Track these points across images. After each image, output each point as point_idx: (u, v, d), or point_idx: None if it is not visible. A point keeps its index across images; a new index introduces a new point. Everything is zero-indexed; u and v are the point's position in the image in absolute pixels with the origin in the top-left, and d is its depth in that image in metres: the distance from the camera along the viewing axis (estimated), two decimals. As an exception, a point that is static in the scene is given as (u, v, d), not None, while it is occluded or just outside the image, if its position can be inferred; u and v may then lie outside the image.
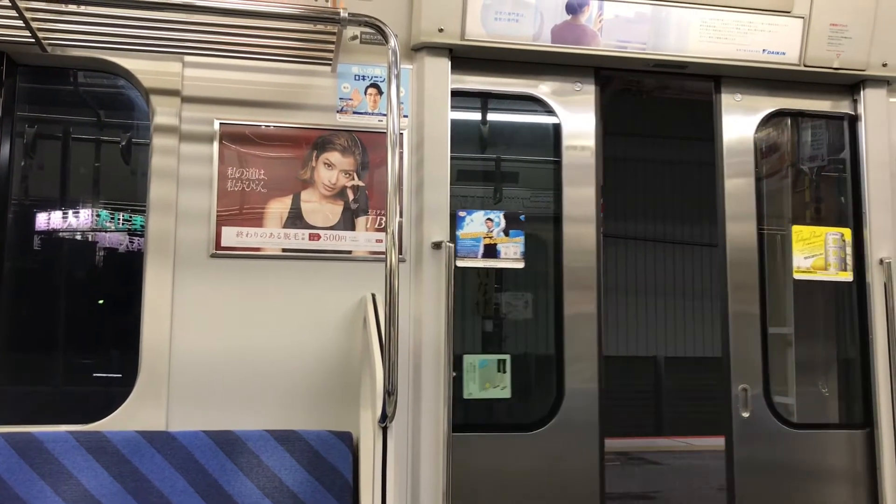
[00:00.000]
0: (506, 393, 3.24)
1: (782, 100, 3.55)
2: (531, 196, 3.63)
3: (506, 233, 3.22)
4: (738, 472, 3.33)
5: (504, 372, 3.24)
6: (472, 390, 3.21)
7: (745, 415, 3.32)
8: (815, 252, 3.46)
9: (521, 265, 3.23)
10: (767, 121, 3.58)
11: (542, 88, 3.35)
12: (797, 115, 3.73)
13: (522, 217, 3.26)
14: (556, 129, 3.37)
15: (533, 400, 3.59)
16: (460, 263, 3.15)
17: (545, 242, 3.38)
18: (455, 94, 3.19)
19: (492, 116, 3.64)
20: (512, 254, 3.22)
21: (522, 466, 3.15)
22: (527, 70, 3.31)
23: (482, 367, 3.24)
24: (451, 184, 3.13)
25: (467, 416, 3.23)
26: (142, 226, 3.12)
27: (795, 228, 3.50)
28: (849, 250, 3.47)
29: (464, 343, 3.49)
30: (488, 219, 3.22)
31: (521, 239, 3.23)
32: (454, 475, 2.96)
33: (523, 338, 3.82)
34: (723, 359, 3.43)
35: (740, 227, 3.46)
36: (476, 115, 3.57)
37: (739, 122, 3.53)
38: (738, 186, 3.49)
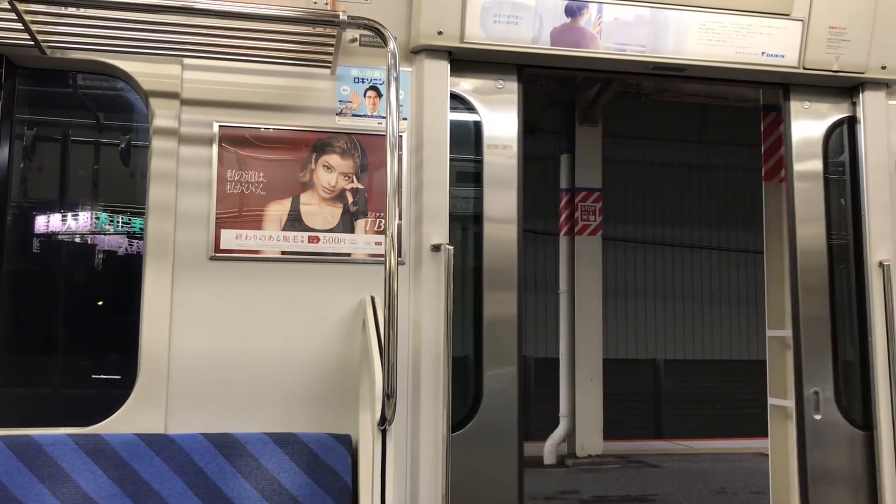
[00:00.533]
0: None
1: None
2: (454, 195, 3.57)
3: None
4: (811, 476, 3.37)
5: None
6: None
7: (818, 417, 3.35)
8: None
9: None
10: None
11: (464, 86, 3.28)
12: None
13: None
14: (477, 126, 3.31)
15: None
16: None
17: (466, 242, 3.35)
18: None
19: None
20: None
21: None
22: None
23: None
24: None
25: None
26: (141, 228, 3.11)
27: None
28: None
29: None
30: None
31: None
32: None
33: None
34: (794, 362, 3.47)
35: (810, 230, 3.48)
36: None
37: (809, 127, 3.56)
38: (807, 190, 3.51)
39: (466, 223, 3.32)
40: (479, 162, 3.28)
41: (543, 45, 3.18)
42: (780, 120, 4.90)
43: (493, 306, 3.21)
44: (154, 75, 2.98)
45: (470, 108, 3.30)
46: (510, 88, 3.30)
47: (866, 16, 3.39)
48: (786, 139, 3.58)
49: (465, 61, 3.22)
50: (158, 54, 2.92)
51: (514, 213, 3.25)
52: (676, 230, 15.99)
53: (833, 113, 3.58)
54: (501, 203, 3.25)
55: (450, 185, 3.15)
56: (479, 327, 3.20)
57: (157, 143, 2.97)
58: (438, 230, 3.08)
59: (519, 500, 3.14)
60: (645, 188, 15.77)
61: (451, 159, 3.17)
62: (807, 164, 3.56)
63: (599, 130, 10.31)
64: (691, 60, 3.31)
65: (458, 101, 3.27)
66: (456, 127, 3.22)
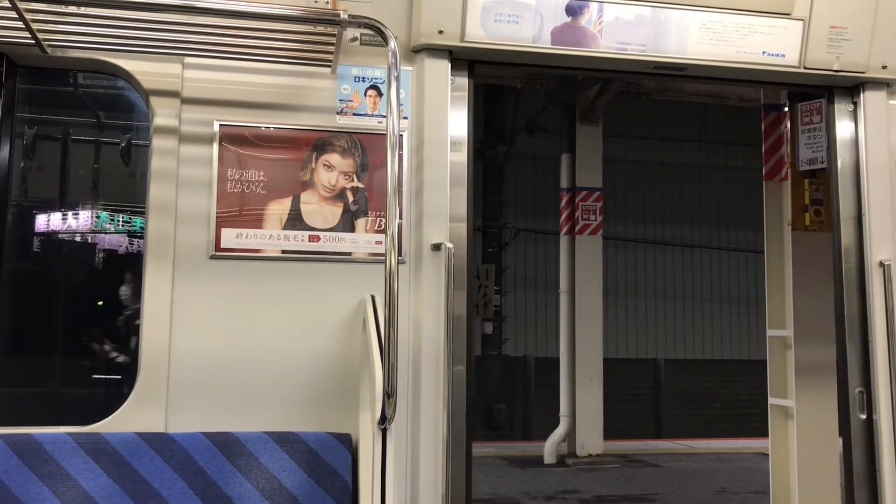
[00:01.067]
0: None
1: None
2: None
3: None
4: (856, 474, 3.36)
5: None
6: None
7: (863, 416, 3.36)
8: None
9: None
10: None
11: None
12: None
13: None
14: None
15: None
16: None
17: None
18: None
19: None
20: None
21: None
22: None
23: None
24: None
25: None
26: (141, 227, 3.11)
27: None
28: None
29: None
30: None
31: None
32: None
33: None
34: (838, 362, 3.49)
35: (847, 227, 3.48)
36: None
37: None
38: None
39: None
40: None
41: (544, 45, 3.18)
42: (780, 119, 4.93)
43: None
44: (155, 74, 2.98)
45: None
46: (460, 85, 3.24)
47: (867, 15, 3.39)
48: (829, 136, 3.60)
49: (466, 60, 3.22)
50: (159, 53, 2.92)
51: (464, 212, 3.19)
52: (677, 230, 16.01)
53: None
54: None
55: None
56: None
57: (157, 142, 2.97)
58: (439, 229, 3.08)
59: (467, 497, 3.10)
60: (645, 188, 15.79)
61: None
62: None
63: (600, 130, 10.31)
64: (692, 60, 3.31)
65: None
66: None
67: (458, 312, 3.12)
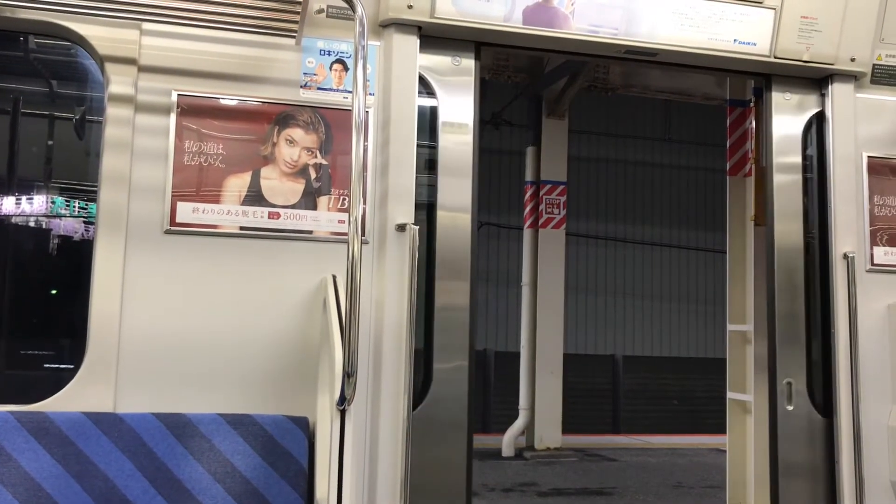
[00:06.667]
0: None
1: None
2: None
3: None
4: (781, 466, 3.37)
5: None
6: None
7: (790, 408, 3.35)
8: None
9: None
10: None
11: (421, 62, 3.15)
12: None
13: None
14: (433, 109, 3.21)
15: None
16: None
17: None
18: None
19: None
20: None
21: None
22: None
23: None
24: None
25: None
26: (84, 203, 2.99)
27: None
28: None
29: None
30: None
31: None
32: None
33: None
34: (768, 353, 3.48)
35: (788, 226, 3.48)
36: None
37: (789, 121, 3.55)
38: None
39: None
40: (434, 147, 3.19)
41: (515, 24, 3.12)
42: (745, 115, 4.94)
43: (444, 296, 3.13)
44: (110, 40, 2.86)
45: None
46: (466, 67, 3.19)
47: (837, 7, 3.38)
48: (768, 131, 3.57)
49: (436, 38, 3.14)
50: (116, 17, 2.80)
51: (468, 202, 3.16)
52: (638, 228, 16.13)
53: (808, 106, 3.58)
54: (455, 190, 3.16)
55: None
56: (430, 316, 3.13)
57: (112, 111, 2.85)
58: (404, 210, 3.00)
59: (467, 489, 3.09)
60: (608, 185, 15.87)
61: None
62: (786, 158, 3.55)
63: (566, 124, 10.32)
64: (663, 45, 3.28)
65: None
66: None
67: (461, 303, 3.10)
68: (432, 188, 3.19)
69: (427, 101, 3.20)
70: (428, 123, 3.20)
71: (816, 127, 3.60)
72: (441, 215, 3.15)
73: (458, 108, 3.19)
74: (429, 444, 3.04)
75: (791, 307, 3.44)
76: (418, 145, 3.10)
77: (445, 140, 3.18)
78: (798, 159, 3.53)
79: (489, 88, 12.51)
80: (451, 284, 3.15)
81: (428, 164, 3.20)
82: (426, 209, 3.19)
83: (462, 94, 3.20)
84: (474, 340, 3.15)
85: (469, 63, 3.21)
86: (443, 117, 3.18)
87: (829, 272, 3.45)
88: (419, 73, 3.13)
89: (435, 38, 3.15)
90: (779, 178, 3.50)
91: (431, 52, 3.16)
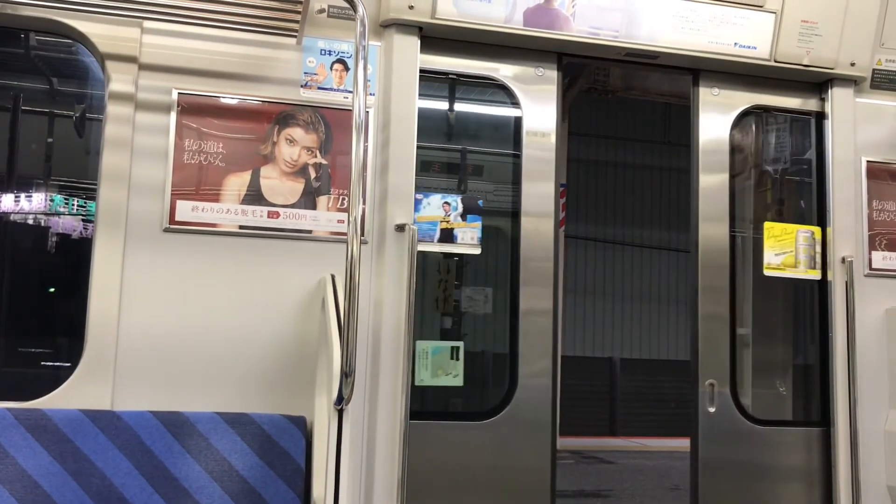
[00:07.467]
0: (458, 381, 3.19)
1: (756, 96, 3.54)
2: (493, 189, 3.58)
3: (463, 217, 3.15)
4: (702, 468, 3.34)
5: (457, 360, 3.18)
6: (423, 377, 3.14)
7: (712, 410, 3.32)
8: (785, 249, 3.45)
9: (477, 251, 3.18)
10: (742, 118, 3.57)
11: (504, 72, 3.26)
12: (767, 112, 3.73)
13: (480, 202, 3.21)
14: (518, 119, 3.29)
15: (485, 390, 3.57)
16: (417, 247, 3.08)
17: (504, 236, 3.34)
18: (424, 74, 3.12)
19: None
20: (469, 239, 3.16)
21: (473, 455, 3.11)
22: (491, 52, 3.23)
23: (435, 355, 3.18)
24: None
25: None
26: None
27: (767, 225, 3.49)
28: (818, 248, 3.46)
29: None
30: (445, 202, 3.15)
31: (479, 224, 3.17)
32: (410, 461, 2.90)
33: (479, 330, 3.78)
34: (691, 354, 3.44)
35: (713, 228, 3.47)
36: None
37: (716, 119, 3.50)
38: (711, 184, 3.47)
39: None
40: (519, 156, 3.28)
41: (516, 25, 3.12)
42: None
43: (529, 301, 3.22)
44: (112, 38, 2.85)
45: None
46: (549, 77, 3.28)
47: (838, 11, 3.39)
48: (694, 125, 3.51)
49: (436, 38, 3.15)
50: (117, 15, 2.80)
51: (551, 208, 3.27)
52: (637, 230, 16.11)
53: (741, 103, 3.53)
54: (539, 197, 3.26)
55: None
56: (516, 320, 3.21)
57: (112, 109, 2.85)
58: (403, 209, 3.00)
59: (551, 490, 3.16)
60: (607, 188, 15.87)
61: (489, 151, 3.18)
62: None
63: (566, 127, 10.30)
64: (664, 48, 3.28)
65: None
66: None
67: (544, 308, 3.20)
68: (516, 196, 3.27)
69: (511, 111, 3.31)
70: (512, 132, 3.30)
71: (816, 130, 3.60)
72: (525, 221, 3.23)
73: (542, 116, 3.28)
74: (513, 446, 3.12)
75: (715, 309, 3.42)
76: (502, 153, 3.16)
77: (529, 148, 3.26)
78: (726, 157, 3.49)
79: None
80: (535, 290, 3.22)
81: (513, 171, 3.28)
82: (510, 216, 3.27)
83: (545, 103, 3.29)
84: (557, 345, 3.22)
85: (552, 73, 3.28)
86: (527, 126, 3.26)
87: (827, 276, 3.45)
88: (503, 83, 3.25)
89: (516, 48, 3.23)
90: (704, 179, 3.48)
91: (514, 62, 3.26)
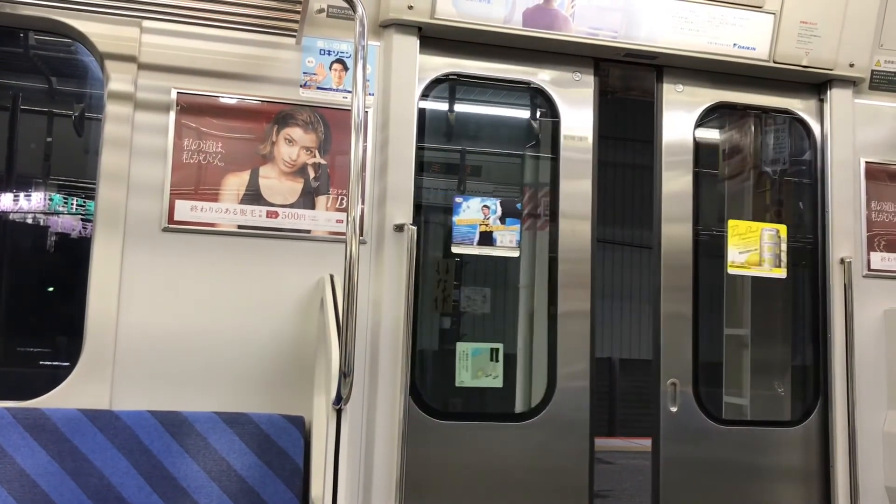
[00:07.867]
0: (498, 382, 3.25)
1: (757, 96, 3.55)
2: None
3: (502, 221, 3.17)
4: (664, 467, 3.36)
5: (497, 361, 3.23)
6: (464, 378, 3.20)
7: (674, 409, 3.32)
8: (749, 247, 3.45)
9: (516, 254, 3.23)
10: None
11: (542, 77, 3.32)
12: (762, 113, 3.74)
13: (519, 205, 3.25)
14: (555, 122, 3.34)
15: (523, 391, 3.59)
16: (456, 249, 3.16)
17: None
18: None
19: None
20: (508, 242, 3.19)
21: (511, 456, 3.15)
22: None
23: (475, 356, 3.21)
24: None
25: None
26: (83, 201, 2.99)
27: (732, 223, 3.50)
28: (783, 246, 3.46)
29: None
30: (485, 206, 3.18)
31: (518, 227, 3.21)
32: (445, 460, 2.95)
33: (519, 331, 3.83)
34: (653, 354, 3.46)
35: (676, 227, 3.52)
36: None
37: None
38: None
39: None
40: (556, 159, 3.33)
41: (515, 26, 3.12)
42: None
43: (567, 303, 3.24)
44: (111, 37, 2.86)
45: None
46: (586, 82, 3.34)
47: (837, 12, 3.39)
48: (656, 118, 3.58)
49: (435, 38, 3.15)
50: (116, 15, 2.80)
51: (588, 210, 3.32)
52: (635, 230, 16.11)
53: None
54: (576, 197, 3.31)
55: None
56: (554, 323, 3.24)
57: (111, 109, 2.85)
58: (402, 210, 3.01)
59: (589, 490, 3.19)
60: (606, 188, 15.85)
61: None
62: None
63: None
64: (663, 49, 3.28)
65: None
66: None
67: (582, 309, 3.23)
68: (554, 198, 3.31)
69: (549, 115, 3.36)
70: (550, 135, 3.35)
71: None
72: (563, 223, 3.27)
73: (579, 120, 3.33)
74: (552, 448, 3.14)
75: (677, 308, 3.43)
76: (541, 157, 3.18)
77: (567, 151, 3.30)
78: (690, 157, 3.53)
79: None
80: (573, 292, 3.25)
81: (551, 174, 3.33)
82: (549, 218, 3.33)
83: (582, 107, 3.33)
84: (594, 346, 3.24)
85: (589, 78, 3.33)
86: (564, 130, 3.30)
87: (826, 277, 3.45)
88: (540, 87, 3.29)
89: (553, 53, 3.26)
90: (667, 176, 3.54)
91: (551, 67, 3.30)
